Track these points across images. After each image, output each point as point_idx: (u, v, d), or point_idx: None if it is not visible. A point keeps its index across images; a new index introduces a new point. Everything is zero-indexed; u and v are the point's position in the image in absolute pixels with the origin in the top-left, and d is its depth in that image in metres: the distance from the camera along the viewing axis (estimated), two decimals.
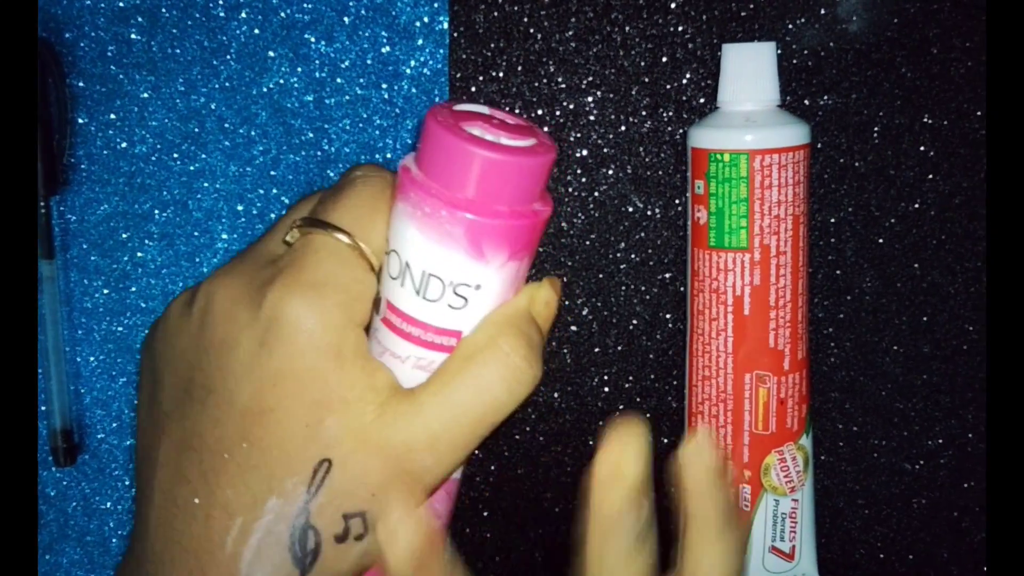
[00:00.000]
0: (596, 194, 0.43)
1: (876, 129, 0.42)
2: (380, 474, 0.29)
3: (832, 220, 0.43)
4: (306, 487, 0.28)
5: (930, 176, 0.43)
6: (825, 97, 0.42)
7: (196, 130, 0.43)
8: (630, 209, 0.43)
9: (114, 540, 0.46)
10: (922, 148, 0.43)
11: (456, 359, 0.30)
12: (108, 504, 0.45)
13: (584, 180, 0.43)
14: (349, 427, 0.29)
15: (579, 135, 0.43)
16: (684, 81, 0.42)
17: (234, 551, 0.28)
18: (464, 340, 0.30)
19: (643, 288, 0.44)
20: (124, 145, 0.43)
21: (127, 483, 0.45)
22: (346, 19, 0.42)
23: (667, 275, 0.44)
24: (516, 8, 0.42)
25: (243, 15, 0.42)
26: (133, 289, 0.44)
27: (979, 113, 0.42)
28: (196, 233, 0.44)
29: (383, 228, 0.31)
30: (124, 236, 0.44)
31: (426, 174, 0.29)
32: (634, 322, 0.44)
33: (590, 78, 0.42)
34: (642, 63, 0.42)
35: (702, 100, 0.42)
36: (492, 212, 0.28)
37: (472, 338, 0.30)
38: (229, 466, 0.29)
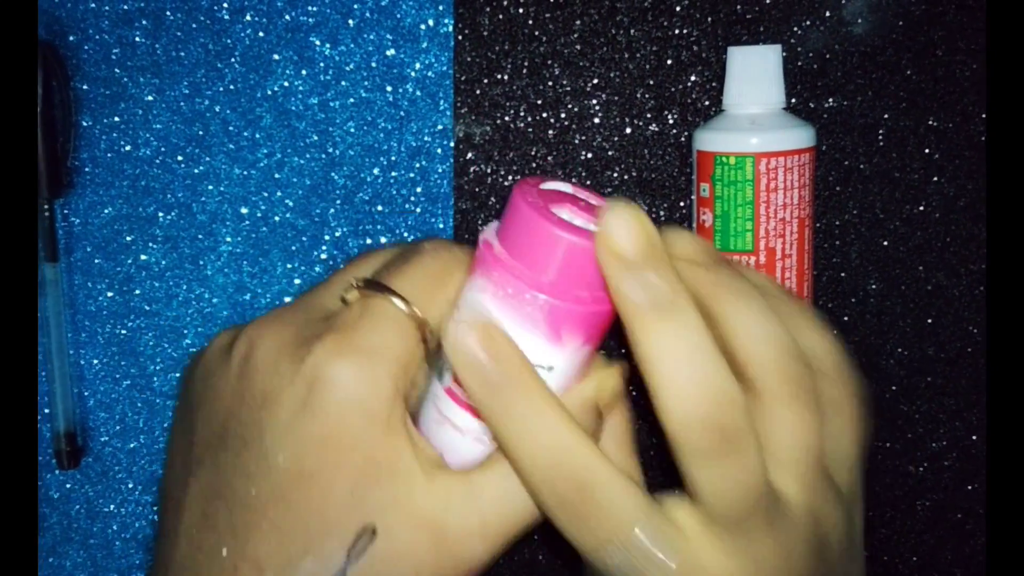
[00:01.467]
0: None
1: (881, 132, 0.42)
2: (427, 552, 0.28)
3: (837, 222, 0.43)
4: (346, 551, 0.28)
5: (935, 179, 0.43)
6: (830, 100, 0.42)
7: (200, 133, 0.43)
8: None
9: (117, 543, 0.46)
10: (927, 151, 0.43)
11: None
12: (111, 507, 0.45)
13: (589, 183, 0.43)
14: (397, 497, 0.28)
15: (584, 138, 0.43)
16: (689, 84, 0.42)
17: None
18: None
19: None
20: (128, 148, 0.43)
21: (130, 486, 0.45)
22: (351, 22, 0.42)
23: None
24: (521, 11, 0.42)
25: (248, 18, 0.42)
26: (137, 292, 0.44)
27: (983, 116, 0.42)
28: (200, 236, 0.44)
29: (444, 303, 0.30)
30: (128, 239, 0.44)
31: (510, 253, 0.28)
32: None
33: (595, 81, 0.42)
34: (647, 66, 0.42)
35: (707, 103, 0.42)
36: (575, 298, 0.28)
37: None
38: (263, 524, 0.28)
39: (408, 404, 0.30)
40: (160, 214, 0.43)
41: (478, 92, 0.42)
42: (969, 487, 0.45)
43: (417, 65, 0.42)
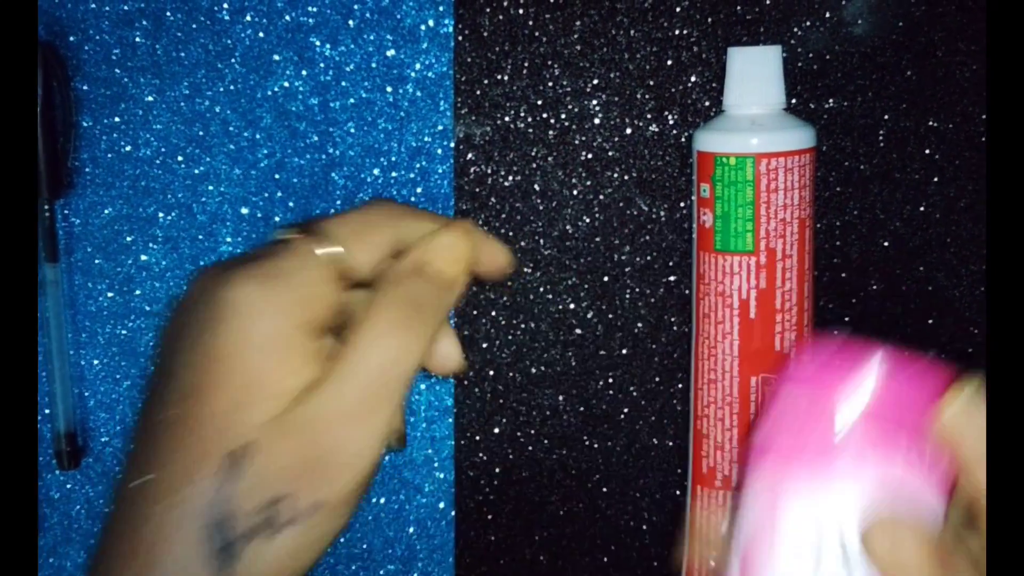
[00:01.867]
0: (601, 197, 0.43)
1: (881, 132, 0.42)
2: (301, 452, 0.28)
3: (838, 223, 0.43)
4: (219, 477, 0.28)
5: (935, 179, 0.43)
6: (831, 100, 0.42)
7: (201, 133, 0.43)
8: (635, 212, 0.43)
9: None
10: (927, 151, 0.43)
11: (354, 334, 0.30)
12: None
13: (589, 183, 0.43)
14: (274, 415, 0.29)
15: (584, 138, 0.43)
16: (689, 84, 0.42)
17: (151, 541, 0.28)
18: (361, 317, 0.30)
19: (648, 291, 0.44)
20: (128, 148, 0.43)
21: None
22: (351, 22, 0.42)
23: (672, 278, 0.44)
24: (521, 11, 0.42)
25: (248, 18, 0.42)
26: (137, 292, 0.44)
27: (983, 116, 0.42)
28: (200, 236, 0.44)
29: (374, 247, 0.31)
30: (128, 239, 0.44)
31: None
32: (639, 325, 0.44)
33: (595, 81, 0.42)
34: (647, 66, 0.42)
35: (707, 103, 0.42)
36: None
37: (364, 314, 0.30)
38: (161, 450, 0.29)
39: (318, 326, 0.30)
40: (160, 214, 0.44)
41: (478, 93, 0.42)
42: None
43: (417, 66, 0.42)
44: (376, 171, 0.43)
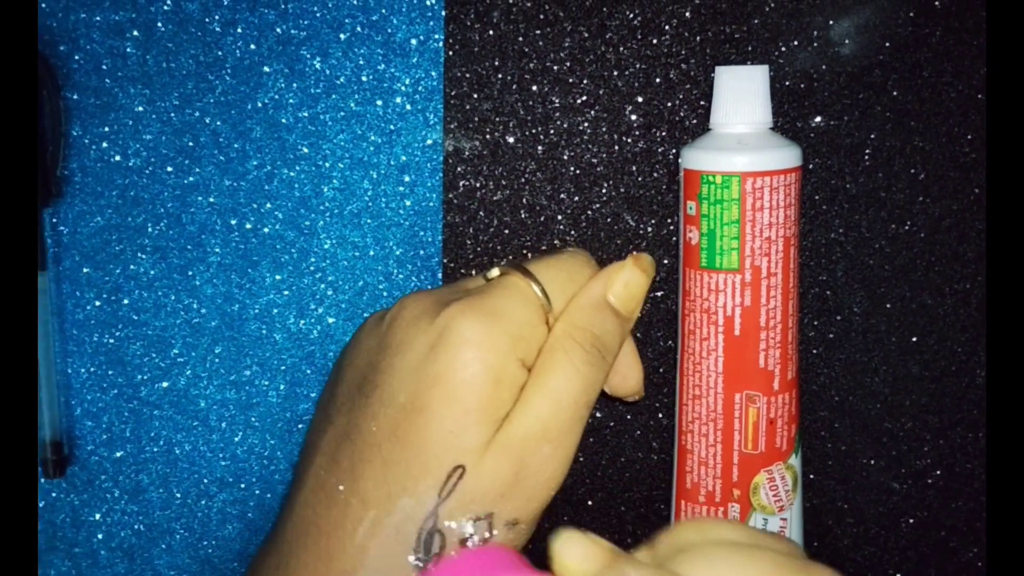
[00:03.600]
0: (589, 212, 0.43)
1: (867, 152, 0.43)
2: (508, 473, 0.31)
3: (823, 241, 0.43)
4: (437, 492, 0.30)
5: (920, 199, 0.43)
6: (817, 119, 0.42)
7: (190, 144, 0.43)
8: (623, 228, 0.43)
9: (103, 552, 0.46)
10: (913, 171, 0.43)
11: (537, 363, 0.33)
12: (97, 516, 0.45)
13: (577, 199, 0.43)
14: (486, 440, 0.31)
15: (572, 154, 0.43)
16: (677, 102, 0.43)
17: (363, 543, 0.30)
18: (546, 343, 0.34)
19: None
20: (118, 158, 0.43)
21: (116, 495, 0.45)
22: (342, 36, 0.42)
23: (659, 293, 0.44)
24: (511, 27, 0.42)
25: (239, 30, 0.42)
26: (125, 302, 0.44)
27: (970, 137, 0.42)
28: (189, 247, 0.44)
29: (570, 293, 0.35)
30: (117, 249, 0.44)
31: None
32: None
33: (584, 97, 0.43)
34: (636, 83, 0.42)
35: (695, 121, 0.43)
36: None
37: (548, 341, 0.34)
38: (375, 460, 0.31)
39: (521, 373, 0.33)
40: (149, 224, 0.44)
41: (468, 107, 0.43)
42: (953, 504, 0.45)
43: (407, 79, 0.43)
44: (365, 184, 0.43)
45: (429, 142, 0.43)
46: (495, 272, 0.35)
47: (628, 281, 0.36)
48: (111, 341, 0.44)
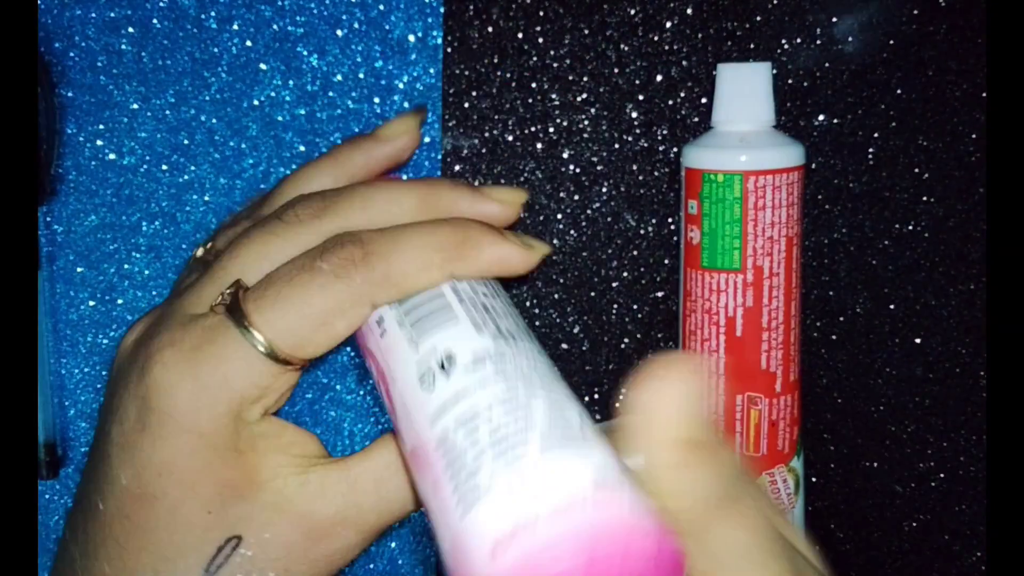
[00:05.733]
0: (589, 211, 0.43)
1: (871, 151, 0.42)
2: (298, 546, 0.28)
3: (826, 241, 0.43)
4: (204, 567, 0.27)
5: (924, 198, 0.43)
6: (820, 118, 0.42)
7: (186, 142, 0.43)
8: (623, 227, 0.43)
9: None
10: (916, 170, 0.42)
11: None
12: None
13: (577, 197, 0.43)
14: (265, 504, 0.28)
15: (572, 152, 0.43)
16: (678, 100, 0.42)
17: None
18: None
19: (635, 307, 0.44)
20: (113, 156, 0.43)
21: None
22: (339, 32, 0.42)
23: (659, 294, 0.43)
24: (511, 24, 0.42)
25: (235, 27, 0.42)
26: (120, 301, 0.44)
27: (974, 136, 0.42)
28: (184, 246, 0.43)
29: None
30: (112, 247, 0.43)
31: None
32: (626, 341, 0.44)
33: (584, 95, 0.42)
34: (637, 81, 0.42)
35: (696, 119, 0.42)
36: None
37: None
38: (108, 541, 0.28)
39: (268, 405, 0.29)
40: (144, 223, 0.43)
41: (466, 105, 0.42)
42: (957, 507, 0.45)
43: (405, 77, 0.42)
44: None
45: (427, 140, 0.43)
46: (219, 308, 0.29)
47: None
48: (105, 341, 0.44)
